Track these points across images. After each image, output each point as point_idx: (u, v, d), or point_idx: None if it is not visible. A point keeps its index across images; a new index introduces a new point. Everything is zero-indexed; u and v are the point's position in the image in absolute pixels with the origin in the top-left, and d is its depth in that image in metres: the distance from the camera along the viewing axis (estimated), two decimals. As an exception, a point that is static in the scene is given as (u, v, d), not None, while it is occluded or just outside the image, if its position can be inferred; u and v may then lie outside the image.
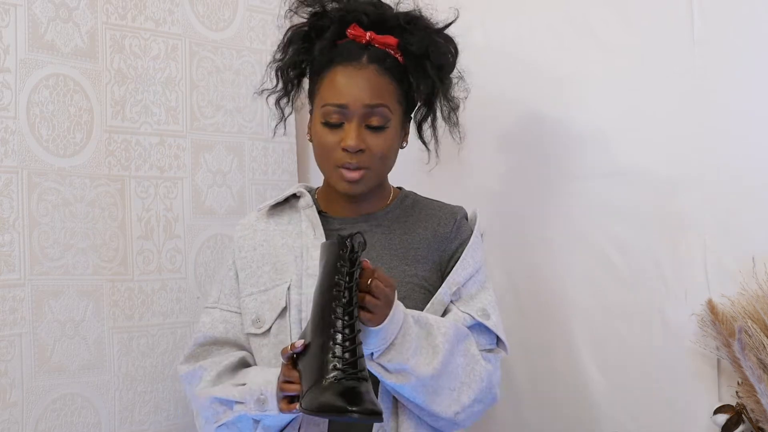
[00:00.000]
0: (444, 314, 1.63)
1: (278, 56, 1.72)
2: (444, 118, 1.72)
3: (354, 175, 1.61)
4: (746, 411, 1.79)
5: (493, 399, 1.64)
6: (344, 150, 1.60)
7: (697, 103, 1.87)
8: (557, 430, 2.05)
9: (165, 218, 2.00)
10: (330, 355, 1.40)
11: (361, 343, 1.43)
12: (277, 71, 1.72)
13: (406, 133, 1.72)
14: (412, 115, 1.73)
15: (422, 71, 1.65)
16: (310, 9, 1.68)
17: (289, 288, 1.64)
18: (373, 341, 1.48)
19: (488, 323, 1.63)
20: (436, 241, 1.67)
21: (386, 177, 1.72)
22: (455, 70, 1.70)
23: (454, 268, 1.64)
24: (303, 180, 2.24)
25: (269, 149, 2.20)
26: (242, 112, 2.15)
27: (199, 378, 1.66)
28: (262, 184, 2.19)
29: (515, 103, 2.07)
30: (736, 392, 1.81)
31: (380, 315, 1.46)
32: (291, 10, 1.71)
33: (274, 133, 1.81)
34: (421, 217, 1.70)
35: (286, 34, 1.72)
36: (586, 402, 2.00)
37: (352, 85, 1.61)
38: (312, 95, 1.68)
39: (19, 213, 1.75)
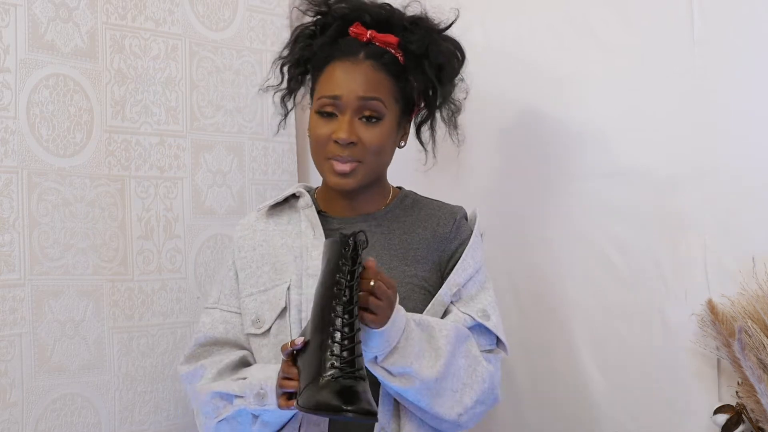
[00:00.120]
0: (444, 315, 1.63)
1: (284, 53, 1.74)
2: (444, 120, 1.72)
3: (344, 167, 1.62)
4: (746, 411, 1.79)
5: (495, 400, 1.64)
6: (335, 142, 1.61)
7: (697, 103, 1.87)
8: (557, 430, 2.05)
9: (165, 218, 2.00)
10: (328, 353, 1.40)
11: (360, 342, 1.43)
12: (281, 68, 1.74)
13: (405, 133, 1.72)
14: (413, 117, 1.74)
15: (421, 70, 1.66)
16: (316, 8, 1.70)
17: (288, 288, 1.64)
18: (376, 344, 1.48)
19: (488, 324, 1.63)
20: (436, 241, 1.67)
21: (383, 175, 1.72)
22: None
23: (454, 269, 1.64)
24: (303, 180, 2.24)
25: (269, 149, 2.20)
26: (242, 112, 2.15)
27: (200, 376, 1.66)
28: (262, 184, 2.19)
29: (515, 103, 2.07)
30: (736, 392, 1.81)
31: (383, 316, 1.46)
32: (299, 9, 1.73)
33: (278, 129, 1.82)
34: (420, 217, 1.70)
35: (293, 33, 1.74)
36: (586, 402, 2.00)
37: (347, 78, 1.62)
38: (312, 91, 1.70)
39: (19, 213, 1.75)
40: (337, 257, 1.45)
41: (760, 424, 1.76)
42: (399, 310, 1.50)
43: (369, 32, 1.65)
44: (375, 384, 1.51)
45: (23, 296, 1.75)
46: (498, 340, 1.66)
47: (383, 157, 1.67)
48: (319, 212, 1.72)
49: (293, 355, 1.49)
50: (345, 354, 1.40)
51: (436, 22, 1.69)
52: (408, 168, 1.83)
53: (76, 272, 1.84)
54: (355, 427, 1.57)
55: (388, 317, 1.47)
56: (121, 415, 1.91)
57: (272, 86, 1.76)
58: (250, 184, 2.17)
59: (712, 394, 1.87)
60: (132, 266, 1.94)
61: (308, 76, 1.73)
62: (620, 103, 1.96)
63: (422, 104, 1.72)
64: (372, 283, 1.44)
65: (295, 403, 1.45)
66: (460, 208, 1.73)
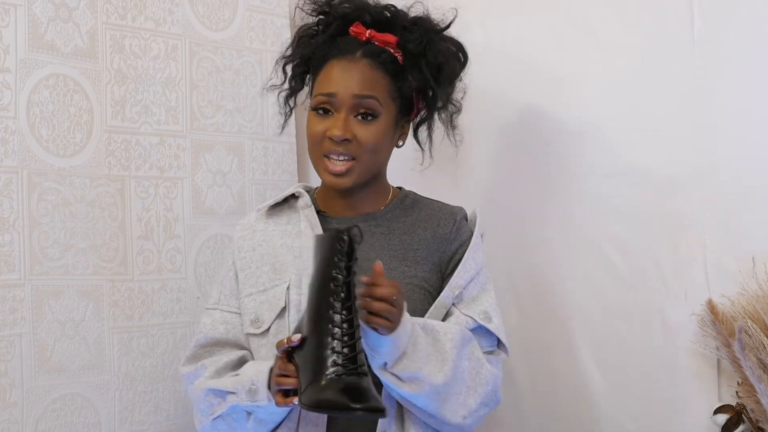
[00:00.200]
0: (445, 317, 1.63)
1: (287, 53, 1.75)
2: (442, 120, 1.72)
3: (340, 167, 1.62)
4: (746, 411, 1.79)
5: (497, 401, 1.64)
6: (330, 139, 1.61)
7: (697, 103, 1.87)
8: (557, 430, 2.05)
9: (165, 218, 2.00)
10: (329, 351, 1.40)
11: (360, 337, 1.42)
12: (284, 67, 1.75)
13: (404, 133, 1.72)
14: (413, 117, 1.74)
15: (419, 70, 1.66)
16: (318, 8, 1.71)
17: (288, 288, 1.64)
18: (387, 350, 1.47)
19: (490, 326, 1.63)
20: (436, 242, 1.67)
21: (382, 174, 1.72)
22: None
23: (456, 272, 1.64)
24: (303, 180, 2.24)
25: (269, 149, 2.20)
26: (242, 112, 2.15)
27: (199, 376, 1.67)
28: (262, 184, 2.19)
29: (515, 103, 2.07)
30: (736, 392, 1.81)
31: (395, 321, 1.46)
32: (302, 9, 1.73)
33: (282, 129, 1.82)
34: (420, 217, 1.70)
35: (296, 33, 1.75)
36: (586, 402, 2.00)
37: (343, 76, 1.63)
38: (310, 90, 1.71)
39: (19, 213, 1.75)
40: (331, 253, 1.43)
41: (760, 424, 1.76)
42: (405, 315, 1.50)
43: (368, 31, 1.66)
44: (378, 385, 1.51)
45: (23, 296, 1.75)
46: (499, 342, 1.66)
47: (379, 155, 1.67)
48: (318, 212, 1.72)
49: (289, 352, 1.49)
50: (346, 351, 1.40)
51: (436, 22, 1.69)
52: (406, 167, 1.83)
53: (76, 272, 1.84)
54: (356, 427, 1.58)
55: (399, 321, 1.47)
56: (121, 415, 1.91)
57: (275, 86, 1.76)
58: (250, 184, 2.17)
59: (712, 394, 1.87)
60: (132, 266, 1.94)
61: (309, 76, 1.73)
62: (620, 103, 1.96)
63: (422, 105, 1.72)
64: (384, 291, 1.43)
65: (295, 401, 1.45)
66: (461, 208, 1.73)
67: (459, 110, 1.73)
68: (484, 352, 1.62)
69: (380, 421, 1.56)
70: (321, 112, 1.64)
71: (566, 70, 2.01)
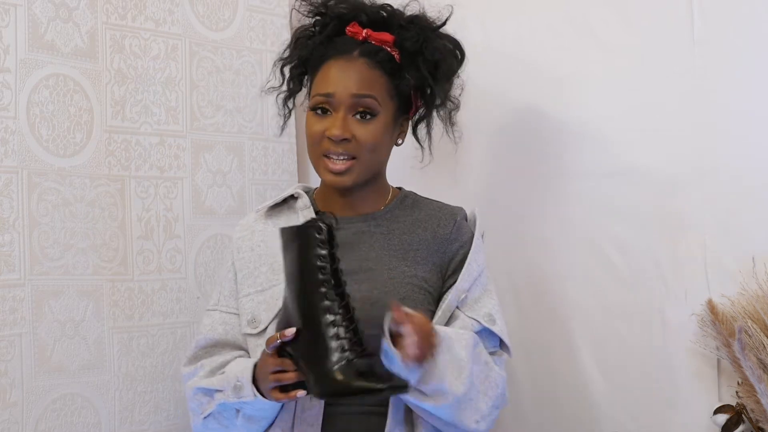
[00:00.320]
0: (449, 319, 1.63)
1: (284, 55, 1.75)
2: (441, 118, 1.72)
3: (339, 166, 1.62)
4: (746, 411, 1.79)
5: (505, 403, 1.65)
6: (329, 139, 1.61)
7: (697, 103, 1.87)
8: (557, 430, 2.05)
9: (165, 218, 2.00)
10: (332, 338, 1.40)
11: (359, 320, 1.43)
12: (281, 69, 1.75)
13: (403, 131, 1.72)
14: (412, 115, 1.74)
15: (416, 68, 1.66)
16: (315, 10, 1.71)
17: None
18: (415, 375, 1.46)
19: (494, 328, 1.63)
20: (436, 242, 1.67)
21: (381, 174, 1.73)
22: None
23: (460, 276, 1.64)
24: (303, 180, 2.24)
25: (269, 149, 2.20)
26: (242, 112, 2.15)
27: (196, 376, 1.67)
28: (262, 184, 2.19)
29: (515, 103, 2.07)
30: (736, 392, 1.81)
31: (423, 353, 1.44)
32: (298, 11, 1.74)
33: (281, 131, 1.82)
34: (420, 217, 1.70)
35: (293, 35, 1.75)
36: (586, 402, 2.00)
37: (341, 75, 1.63)
38: (308, 91, 1.72)
39: (19, 213, 1.75)
40: (312, 243, 1.43)
41: (760, 424, 1.76)
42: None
43: (365, 31, 1.66)
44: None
45: (23, 296, 1.75)
46: (501, 342, 1.66)
47: (379, 154, 1.67)
48: (317, 213, 1.72)
49: (279, 348, 1.48)
50: (349, 335, 1.40)
51: (432, 20, 1.70)
52: (405, 166, 1.83)
53: (76, 272, 1.84)
54: (354, 426, 1.58)
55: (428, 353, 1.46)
56: (121, 415, 1.91)
57: (273, 88, 1.77)
58: (250, 184, 2.17)
59: (712, 394, 1.87)
60: (132, 266, 1.94)
61: (307, 77, 1.73)
62: (620, 103, 1.96)
63: (420, 103, 1.72)
64: (415, 339, 1.41)
65: (299, 394, 1.45)
66: (461, 209, 1.73)
67: (457, 107, 1.73)
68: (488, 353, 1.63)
69: (388, 424, 1.57)
70: (319, 112, 1.64)
71: (566, 70, 2.01)
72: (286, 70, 1.75)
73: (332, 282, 1.43)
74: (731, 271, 1.82)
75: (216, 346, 1.69)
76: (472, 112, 1.82)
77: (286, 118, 1.79)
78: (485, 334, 1.63)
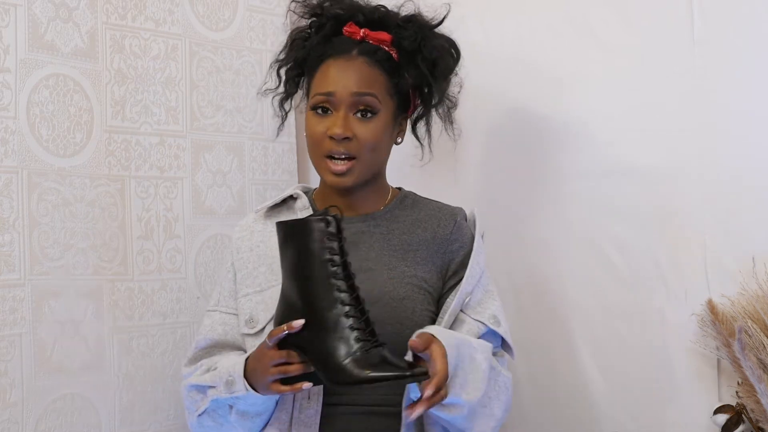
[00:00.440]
0: (454, 322, 1.63)
1: (280, 56, 1.75)
2: (439, 116, 1.73)
3: (340, 167, 1.62)
4: (746, 411, 1.79)
5: (511, 405, 1.65)
6: (331, 138, 1.61)
7: (697, 103, 1.87)
8: (557, 430, 2.05)
9: (165, 218, 2.00)
10: (347, 328, 1.41)
11: (369, 310, 1.45)
12: (278, 71, 1.74)
13: (402, 130, 1.72)
14: (410, 114, 1.74)
15: (415, 66, 1.67)
16: (311, 11, 1.71)
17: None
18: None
19: (499, 330, 1.64)
20: (436, 242, 1.67)
21: (381, 174, 1.73)
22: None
23: (464, 279, 1.64)
24: (303, 180, 2.24)
25: (269, 149, 2.20)
26: (242, 112, 2.15)
27: (193, 375, 1.67)
28: (262, 184, 2.19)
29: (515, 103, 2.07)
30: (736, 392, 1.81)
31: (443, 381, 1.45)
32: (294, 12, 1.73)
33: (278, 134, 1.82)
34: (420, 217, 1.70)
35: (289, 36, 1.75)
36: (586, 402, 2.00)
37: (341, 74, 1.63)
38: (307, 92, 1.71)
39: (19, 213, 1.75)
40: (321, 236, 1.44)
41: (760, 424, 1.76)
42: (448, 353, 1.47)
43: (362, 30, 1.66)
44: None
45: (23, 296, 1.75)
46: (504, 343, 1.66)
47: (379, 153, 1.67)
48: (313, 210, 1.72)
49: (280, 341, 1.48)
50: (363, 325, 1.42)
51: (428, 19, 1.70)
52: (406, 165, 1.83)
53: (76, 272, 1.84)
54: (354, 425, 1.58)
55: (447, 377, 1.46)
56: (121, 415, 1.91)
57: (270, 90, 1.76)
58: (250, 184, 2.17)
59: (712, 394, 1.87)
60: (132, 266, 1.94)
61: (304, 78, 1.73)
62: (620, 103, 1.96)
63: (418, 101, 1.73)
64: (431, 392, 1.42)
65: (305, 386, 1.45)
66: (461, 209, 1.73)
67: (455, 105, 1.73)
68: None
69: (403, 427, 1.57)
70: (320, 111, 1.64)
71: (566, 70, 2.01)
72: (282, 71, 1.75)
73: (344, 273, 1.45)
74: (731, 271, 1.82)
75: (216, 347, 1.69)
76: (471, 112, 1.82)
77: (283, 120, 1.79)
78: (488, 334, 1.63)
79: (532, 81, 2.04)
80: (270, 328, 1.61)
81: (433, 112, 1.73)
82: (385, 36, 1.66)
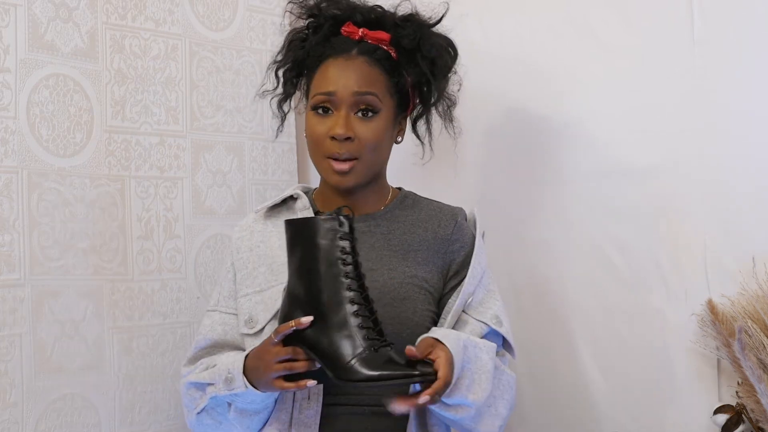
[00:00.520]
0: (456, 323, 1.63)
1: (278, 58, 1.75)
2: (439, 114, 1.73)
3: (343, 166, 1.62)
4: (746, 411, 1.79)
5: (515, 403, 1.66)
6: (333, 138, 1.61)
7: (697, 103, 1.87)
8: (557, 430, 2.05)
9: (165, 218, 2.00)
10: (356, 327, 1.42)
11: (377, 310, 1.46)
12: (276, 72, 1.74)
13: (402, 129, 1.72)
14: (409, 113, 1.74)
15: (414, 65, 1.67)
16: (308, 12, 1.71)
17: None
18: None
19: (501, 330, 1.64)
20: (437, 243, 1.68)
21: (382, 174, 1.73)
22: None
23: (465, 280, 1.64)
24: (303, 180, 2.25)
25: (269, 149, 2.20)
26: (242, 112, 2.15)
27: (192, 374, 1.67)
28: (262, 184, 2.19)
29: (515, 103, 2.07)
30: (736, 392, 1.81)
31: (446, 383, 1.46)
32: (291, 13, 1.74)
33: (277, 134, 1.82)
34: (421, 217, 1.70)
35: (286, 37, 1.75)
36: (586, 402, 2.00)
37: (341, 74, 1.63)
38: (306, 92, 1.71)
39: (19, 213, 1.75)
40: (333, 235, 1.46)
41: (760, 424, 1.76)
42: (453, 354, 1.47)
43: (361, 30, 1.66)
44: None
45: (23, 296, 1.75)
46: (505, 343, 1.66)
47: (380, 153, 1.67)
48: (316, 213, 1.72)
49: (286, 338, 1.48)
50: (371, 324, 1.43)
51: (426, 17, 1.70)
52: (406, 163, 1.83)
53: (76, 272, 1.84)
54: (354, 425, 1.58)
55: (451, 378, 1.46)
56: (121, 415, 1.91)
57: (268, 91, 1.76)
58: (250, 184, 2.17)
59: (712, 394, 1.87)
60: (132, 266, 1.94)
61: (303, 79, 1.73)
62: (620, 104, 1.96)
63: (417, 100, 1.73)
64: (428, 397, 1.42)
65: (309, 383, 1.45)
66: (461, 209, 1.73)
67: (455, 103, 1.74)
68: None
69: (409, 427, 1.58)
70: (321, 111, 1.64)
71: (566, 70, 2.01)
72: (281, 73, 1.75)
73: (355, 272, 1.46)
74: (731, 271, 1.82)
75: (215, 347, 1.69)
76: (472, 112, 1.82)
77: (282, 120, 1.79)
78: (491, 335, 1.64)
79: (532, 81, 2.04)
80: (270, 328, 1.61)
81: (433, 111, 1.73)
82: (383, 35, 1.66)
